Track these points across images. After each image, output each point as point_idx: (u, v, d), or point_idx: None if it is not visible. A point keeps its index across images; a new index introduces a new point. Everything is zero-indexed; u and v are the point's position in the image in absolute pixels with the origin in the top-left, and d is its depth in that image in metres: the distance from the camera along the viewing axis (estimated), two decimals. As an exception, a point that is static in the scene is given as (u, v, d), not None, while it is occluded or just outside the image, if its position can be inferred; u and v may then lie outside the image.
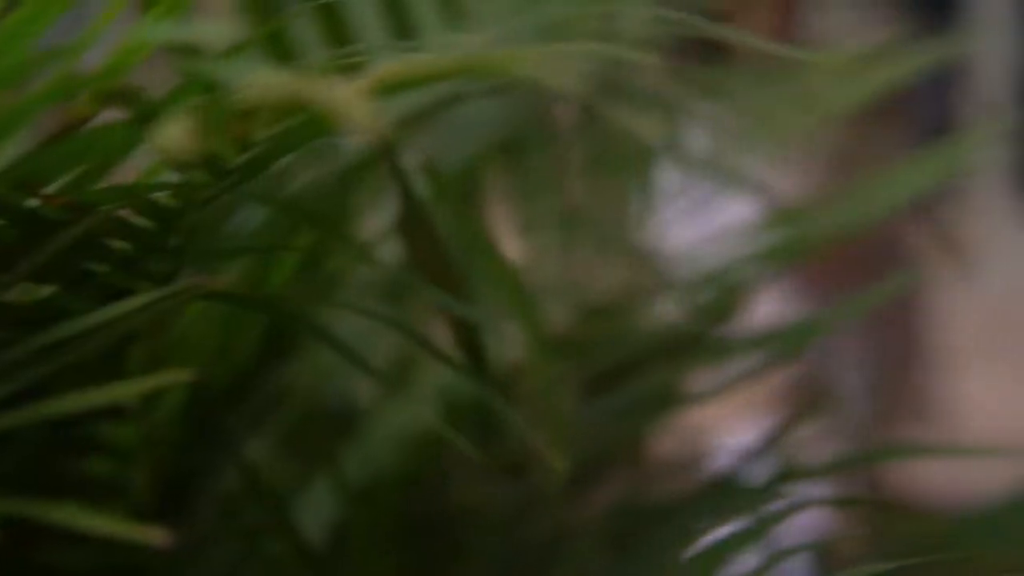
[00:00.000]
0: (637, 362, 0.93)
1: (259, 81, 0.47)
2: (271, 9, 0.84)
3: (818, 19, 2.96)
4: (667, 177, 0.99)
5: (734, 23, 2.82)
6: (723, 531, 0.73)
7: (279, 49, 0.84)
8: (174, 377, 0.76)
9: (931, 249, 3.00)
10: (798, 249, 0.96)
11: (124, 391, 0.73)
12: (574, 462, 0.92)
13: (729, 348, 0.94)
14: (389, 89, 0.46)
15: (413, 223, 0.62)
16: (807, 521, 0.80)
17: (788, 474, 0.91)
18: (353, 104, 0.43)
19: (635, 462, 0.94)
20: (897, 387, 3.01)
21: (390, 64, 0.46)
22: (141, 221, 0.65)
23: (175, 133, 0.45)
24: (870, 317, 2.94)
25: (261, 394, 0.81)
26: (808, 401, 2.77)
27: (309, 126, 0.55)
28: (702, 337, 0.94)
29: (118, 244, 0.67)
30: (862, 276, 2.93)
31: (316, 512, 0.84)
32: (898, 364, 3.02)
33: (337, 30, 0.85)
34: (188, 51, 0.81)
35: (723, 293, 0.95)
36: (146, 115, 0.57)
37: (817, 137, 2.80)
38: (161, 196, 0.63)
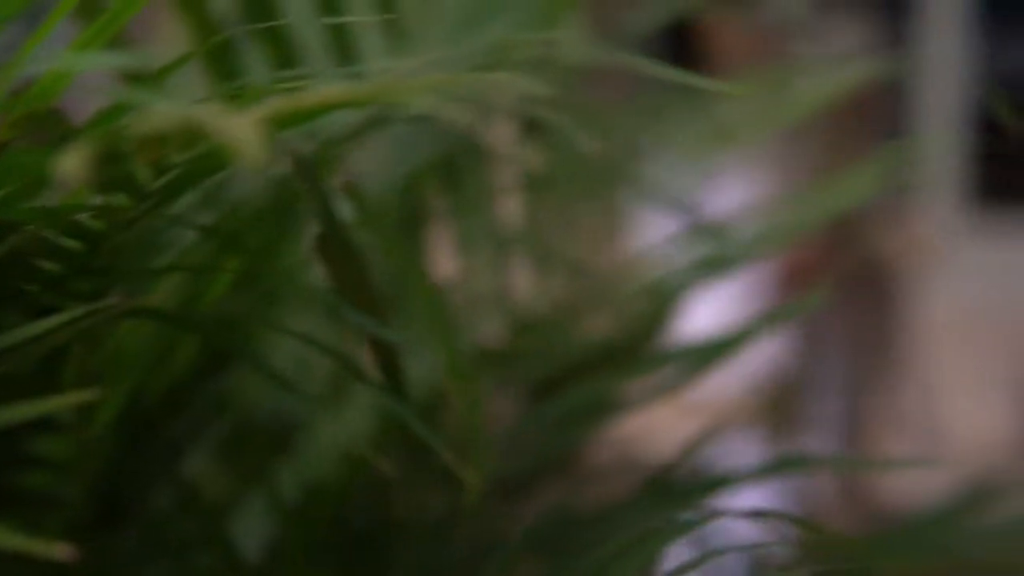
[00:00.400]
0: (572, 373, 0.95)
1: (159, 111, 0.48)
2: (218, 34, 0.85)
3: (791, 28, 2.98)
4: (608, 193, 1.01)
5: (713, 41, 2.85)
6: (647, 534, 0.73)
7: (223, 73, 0.85)
8: (106, 391, 0.78)
9: (903, 258, 3.02)
10: (732, 259, 0.97)
11: (57, 404, 0.74)
12: (511, 471, 0.94)
13: (662, 358, 0.95)
14: (284, 121, 0.47)
15: (333, 245, 0.63)
16: (744, 527, 0.81)
17: (720, 481, 0.93)
18: (244, 136, 0.44)
19: (571, 470, 0.95)
20: (873, 395, 3.04)
21: (283, 97, 0.47)
22: (67, 242, 0.66)
23: (72, 160, 0.46)
24: (851, 327, 2.97)
25: (197, 407, 0.83)
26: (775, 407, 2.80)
27: (223, 152, 0.56)
28: (636, 348, 0.95)
29: (46, 264, 0.68)
30: (844, 287, 2.96)
31: (251, 526, 0.85)
32: (875, 374, 3.04)
33: (281, 51, 0.86)
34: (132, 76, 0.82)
35: (657, 304, 0.96)
36: (67, 139, 0.59)
37: (797, 136, 2.83)
38: (85, 218, 0.64)
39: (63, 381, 0.77)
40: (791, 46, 2.94)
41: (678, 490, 0.91)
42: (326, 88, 0.49)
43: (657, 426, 1.22)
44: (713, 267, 0.97)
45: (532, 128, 0.89)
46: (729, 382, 2.41)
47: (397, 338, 0.63)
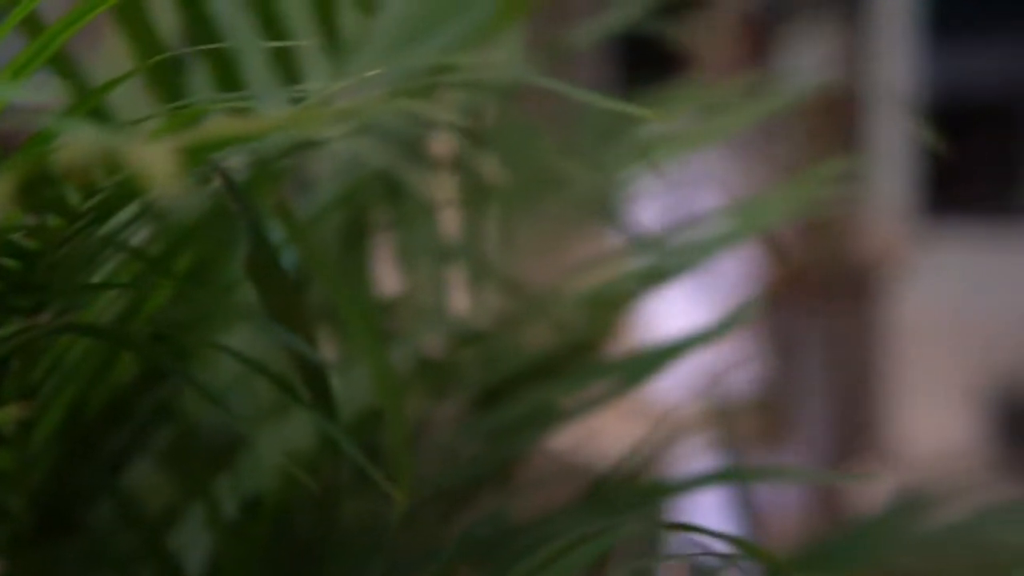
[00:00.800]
0: (515, 384, 0.96)
1: (80, 139, 0.49)
2: (159, 52, 0.86)
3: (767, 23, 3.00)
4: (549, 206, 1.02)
5: (702, 52, 2.87)
6: (578, 542, 0.74)
7: (164, 91, 0.87)
8: (46, 404, 0.79)
9: (877, 264, 3.05)
10: (672, 270, 0.98)
11: (-2, 417, 0.75)
12: (452, 480, 0.95)
13: (604, 369, 0.97)
14: (199, 150, 0.48)
15: (262, 265, 0.64)
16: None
17: (659, 489, 0.94)
18: (156, 165, 0.45)
19: (513, 479, 0.97)
20: (849, 401, 3.06)
21: (198, 126, 0.48)
22: (4, 260, 0.67)
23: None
24: (828, 333, 2.99)
25: (137, 420, 0.84)
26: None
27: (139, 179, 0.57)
28: (579, 358, 0.97)
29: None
30: (829, 295, 2.99)
31: (193, 539, 0.86)
32: (851, 380, 3.07)
33: (223, 71, 0.88)
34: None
35: (598, 315, 0.98)
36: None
37: (775, 138, 2.84)
38: (20, 237, 0.65)
39: (3, 394, 0.78)
40: (767, 51, 2.96)
41: (619, 498, 0.93)
42: (237, 119, 0.51)
43: (618, 433, 1.23)
44: (653, 277, 0.98)
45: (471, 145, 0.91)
46: (694, 389, 2.43)
47: (323, 358, 0.65)
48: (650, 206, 2.53)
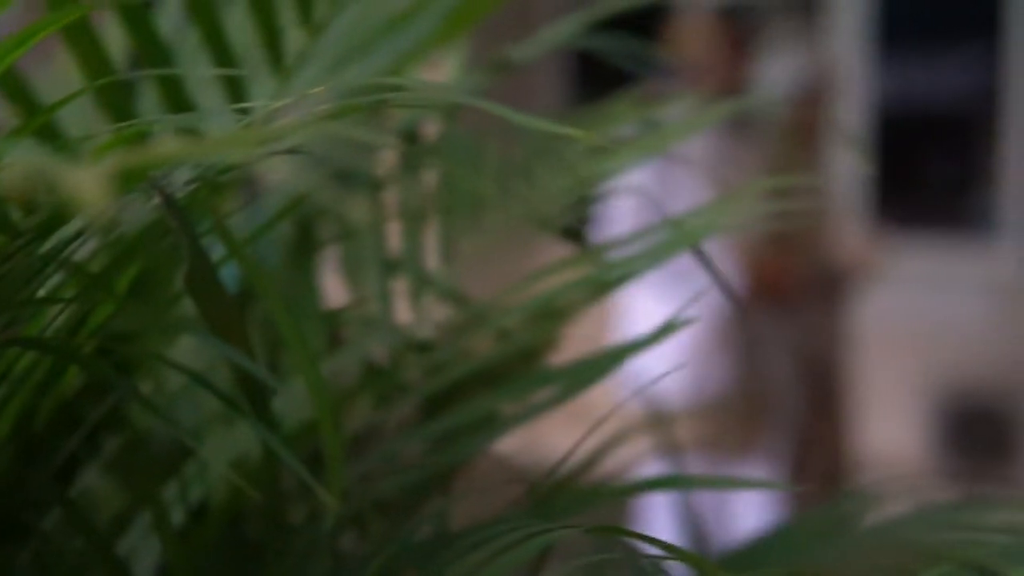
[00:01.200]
0: (457, 391, 0.98)
1: (17, 162, 0.51)
2: (108, 69, 0.88)
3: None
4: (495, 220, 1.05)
5: (693, 62, 2.89)
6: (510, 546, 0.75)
7: (117, 112, 0.88)
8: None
9: (853, 270, 3.08)
10: (616, 280, 1.00)
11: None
12: (397, 486, 0.97)
13: (547, 375, 0.99)
14: (129, 173, 0.50)
15: (201, 281, 0.66)
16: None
17: (596, 493, 0.96)
18: (88, 188, 0.47)
19: (455, 484, 0.99)
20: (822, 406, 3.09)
21: (140, 147, 0.50)
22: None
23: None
24: (802, 337, 3.02)
25: (88, 427, 0.85)
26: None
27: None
28: (520, 366, 0.99)
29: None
30: (803, 298, 3.01)
31: (144, 545, 0.88)
32: (824, 385, 3.09)
33: (170, 89, 0.89)
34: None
35: (541, 325, 1.00)
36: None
37: (752, 143, 2.85)
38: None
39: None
40: (749, 53, 2.98)
41: (560, 502, 0.95)
42: (178, 139, 0.52)
43: (567, 438, 1.25)
44: (597, 286, 1.00)
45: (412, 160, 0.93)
46: (649, 393, 2.44)
47: (263, 371, 0.66)
48: (625, 212, 2.54)
